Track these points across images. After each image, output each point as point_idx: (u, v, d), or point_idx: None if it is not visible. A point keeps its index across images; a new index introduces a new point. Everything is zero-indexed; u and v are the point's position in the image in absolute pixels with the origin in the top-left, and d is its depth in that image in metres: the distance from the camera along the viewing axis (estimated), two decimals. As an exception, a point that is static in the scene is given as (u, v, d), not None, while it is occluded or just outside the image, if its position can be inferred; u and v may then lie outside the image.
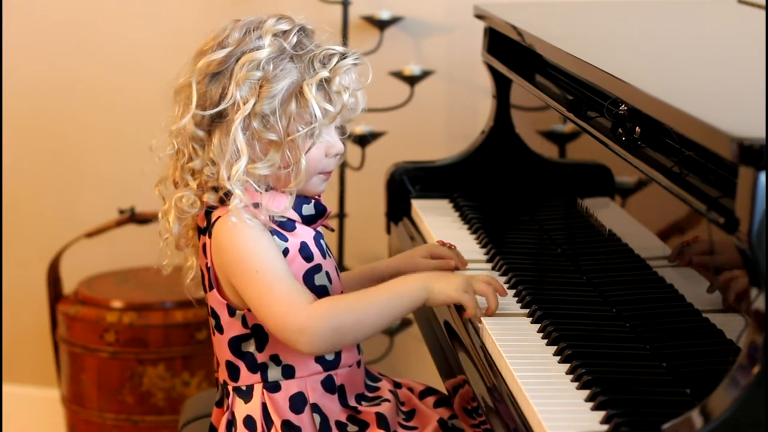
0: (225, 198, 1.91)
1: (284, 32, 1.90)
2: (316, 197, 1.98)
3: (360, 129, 2.97)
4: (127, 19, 3.30)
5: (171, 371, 3.06)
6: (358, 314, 1.87)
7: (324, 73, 1.88)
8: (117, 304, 3.08)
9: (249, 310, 1.91)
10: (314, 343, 1.85)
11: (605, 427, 1.58)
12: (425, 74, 3.03)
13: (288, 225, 1.93)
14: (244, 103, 1.87)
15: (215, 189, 1.92)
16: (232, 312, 1.93)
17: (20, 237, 3.45)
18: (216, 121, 1.90)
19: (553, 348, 1.83)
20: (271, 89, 1.87)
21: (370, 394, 2.01)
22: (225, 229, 1.89)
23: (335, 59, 1.90)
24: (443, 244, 2.14)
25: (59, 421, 3.37)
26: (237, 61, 1.89)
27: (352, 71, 1.91)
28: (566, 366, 1.76)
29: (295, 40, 1.90)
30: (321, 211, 1.97)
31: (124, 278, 3.22)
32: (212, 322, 1.97)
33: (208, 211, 1.94)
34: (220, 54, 1.89)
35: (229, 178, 1.87)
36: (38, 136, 3.39)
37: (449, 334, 2.01)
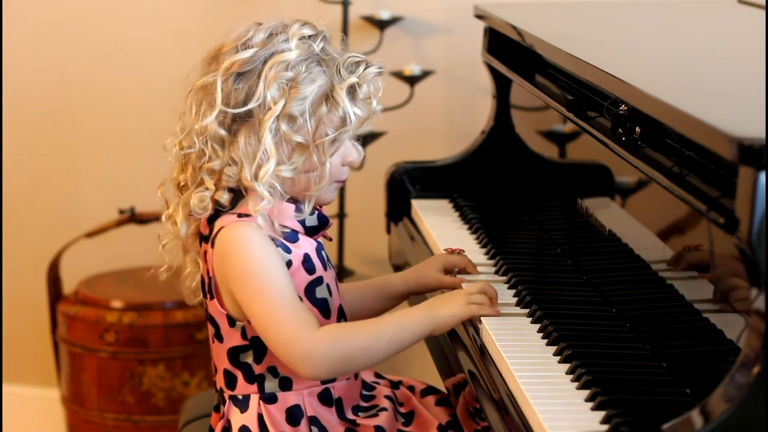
0: (244, 193, 1.90)
1: (310, 36, 1.90)
2: (319, 208, 1.98)
3: (360, 129, 2.97)
4: (127, 19, 3.30)
5: (171, 371, 3.06)
6: (365, 344, 1.86)
7: (354, 79, 1.88)
8: (117, 304, 3.08)
9: (249, 321, 1.90)
10: (317, 370, 1.85)
11: (605, 427, 1.58)
12: (425, 74, 3.03)
13: (291, 236, 1.92)
14: (274, 104, 1.86)
15: (230, 190, 1.91)
16: (232, 322, 1.92)
17: (20, 237, 3.45)
18: (240, 121, 1.89)
19: (553, 348, 1.83)
20: (301, 91, 1.87)
21: (366, 404, 2.01)
22: (233, 237, 1.88)
23: (362, 66, 1.90)
24: (451, 251, 2.13)
25: (59, 421, 3.37)
26: (265, 61, 1.88)
27: (378, 80, 1.92)
28: (566, 366, 1.76)
29: (321, 45, 1.90)
30: (323, 223, 1.97)
31: (124, 278, 3.22)
32: (212, 330, 1.96)
33: (211, 218, 1.93)
34: (247, 54, 1.88)
35: (256, 179, 1.87)
36: (38, 136, 3.39)
37: (449, 334, 2.00)
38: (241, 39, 1.91)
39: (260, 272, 1.86)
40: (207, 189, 1.91)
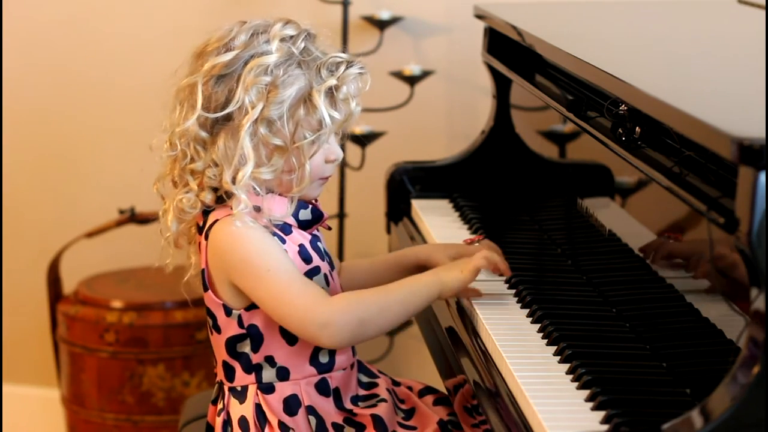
0: (225, 197, 1.91)
1: (291, 37, 1.90)
2: (313, 202, 1.98)
3: (360, 129, 2.97)
4: (126, 19, 3.30)
5: (171, 371, 3.06)
6: (378, 306, 1.89)
7: (332, 81, 1.88)
8: (117, 304, 3.08)
9: (245, 309, 1.92)
10: (337, 336, 1.87)
11: (605, 427, 1.58)
12: (425, 74, 3.03)
13: (285, 229, 1.94)
14: (252, 108, 1.87)
15: (214, 189, 1.92)
16: (228, 312, 1.93)
17: (20, 237, 3.45)
18: (220, 124, 1.90)
19: (553, 348, 1.83)
20: (279, 95, 1.87)
21: (365, 392, 2.02)
22: (226, 232, 1.89)
23: (342, 67, 1.90)
24: (471, 241, 2.15)
25: (59, 421, 3.37)
26: (245, 64, 1.88)
27: (358, 80, 1.92)
28: (566, 366, 1.76)
29: (302, 45, 1.90)
30: (318, 216, 1.98)
31: (124, 278, 3.22)
32: (210, 322, 1.97)
33: (206, 210, 1.94)
34: (227, 57, 1.89)
35: (234, 182, 1.88)
36: (38, 136, 3.39)
37: (449, 334, 2.01)
38: (224, 39, 1.91)
39: (261, 257, 1.87)
40: (191, 190, 1.92)
